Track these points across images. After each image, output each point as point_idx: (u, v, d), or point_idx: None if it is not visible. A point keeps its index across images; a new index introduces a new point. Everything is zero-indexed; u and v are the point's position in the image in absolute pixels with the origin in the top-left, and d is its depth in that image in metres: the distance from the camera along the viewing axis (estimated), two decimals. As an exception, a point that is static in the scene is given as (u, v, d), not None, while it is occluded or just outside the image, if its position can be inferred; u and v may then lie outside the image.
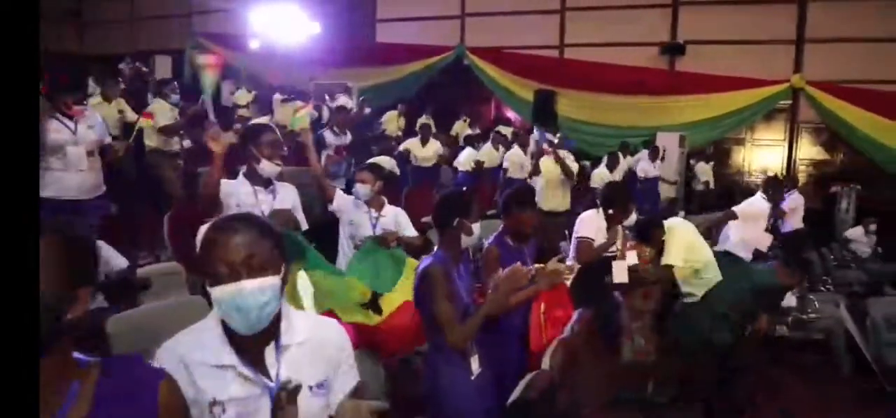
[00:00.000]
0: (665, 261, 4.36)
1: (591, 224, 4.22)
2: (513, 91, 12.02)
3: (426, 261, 2.50)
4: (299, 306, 2.72)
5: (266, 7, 11.94)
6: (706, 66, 10.96)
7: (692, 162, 10.60)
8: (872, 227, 8.24)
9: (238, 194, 3.09)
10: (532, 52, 12.19)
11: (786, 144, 11.20)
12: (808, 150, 11.15)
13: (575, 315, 3.28)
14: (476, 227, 2.61)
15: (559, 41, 12.21)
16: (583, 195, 8.19)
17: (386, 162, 5.64)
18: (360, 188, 3.96)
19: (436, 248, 2.63)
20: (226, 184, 3.08)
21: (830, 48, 10.47)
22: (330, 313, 2.95)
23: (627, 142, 10.22)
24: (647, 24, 11.53)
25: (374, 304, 3.03)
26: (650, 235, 4.44)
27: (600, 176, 8.46)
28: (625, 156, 9.77)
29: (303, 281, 2.83)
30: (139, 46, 15.41)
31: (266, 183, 3.18)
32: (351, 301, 3.01)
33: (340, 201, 3.97)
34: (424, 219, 6.45)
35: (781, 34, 10.80)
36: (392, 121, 11.08)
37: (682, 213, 6.77)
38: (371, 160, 4.78)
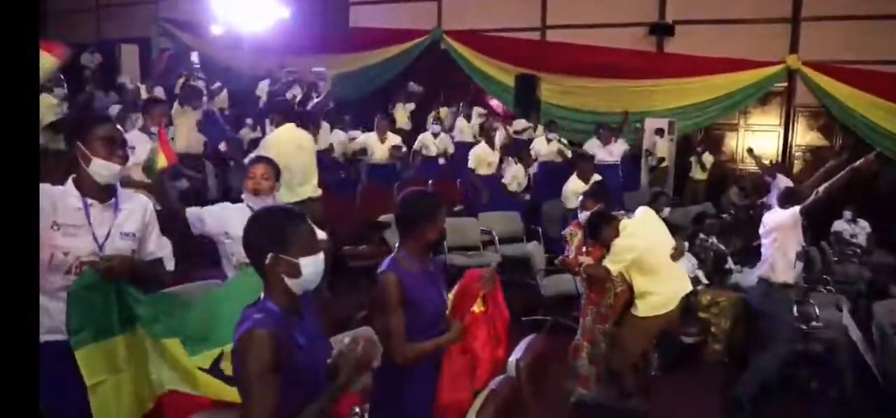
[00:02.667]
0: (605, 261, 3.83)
1: None
2: (492, 76, 11.43)
3: (250, 320, 1.70)
4: None
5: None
6: (696, 48, 10.33)
7: (699, 150, 9.93)
8: (848, 214, 7.65)
9: (58, 208, 2.16)
10: (512, 35, 11.55)
11: (781, 129, 10.59)
12: (806, 136, 10.54)
13: (522, 345, 2.66)
14: (308, 265, 1.75)
15: (541, 23, 11.53)
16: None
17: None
18: (252, 193, 3.00)
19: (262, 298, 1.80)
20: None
21: (827, 27, 9.83)
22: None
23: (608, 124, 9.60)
24: (633, 4, 10.86)
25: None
26: (599, 233, 3.88)
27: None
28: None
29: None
30: (105, 36, 14.78)
31: (104, 194, 2.25)
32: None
33: (214, 217, 2.99)
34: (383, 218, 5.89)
35: (776, 13, 10.17)
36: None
37: (667, 209, 6.13)
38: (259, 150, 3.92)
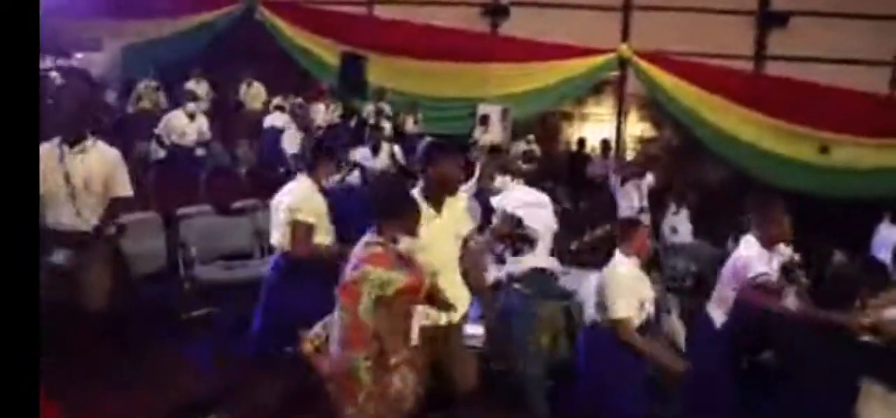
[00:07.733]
0: None
1: None
2: (315, 53, 10.16)
3: None
4: None
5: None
6: (531, 32, 9.81)
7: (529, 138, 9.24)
8: (673, 207, 7.31)
9: None
10: (338, 9, 10.42)
11: (614, 119, 10.37)
12: (637, 126, 10.41)
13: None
14: None
15: (368, -3, 10.49)
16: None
17: None
18: None
19: None
20: None
21: (661, 16, 9.74)
22: None
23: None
24: (467, -18, 10.16)
25: None
26: None
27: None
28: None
29: None
30: None
31: None
32: None
33: None
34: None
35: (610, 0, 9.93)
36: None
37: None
38: None
